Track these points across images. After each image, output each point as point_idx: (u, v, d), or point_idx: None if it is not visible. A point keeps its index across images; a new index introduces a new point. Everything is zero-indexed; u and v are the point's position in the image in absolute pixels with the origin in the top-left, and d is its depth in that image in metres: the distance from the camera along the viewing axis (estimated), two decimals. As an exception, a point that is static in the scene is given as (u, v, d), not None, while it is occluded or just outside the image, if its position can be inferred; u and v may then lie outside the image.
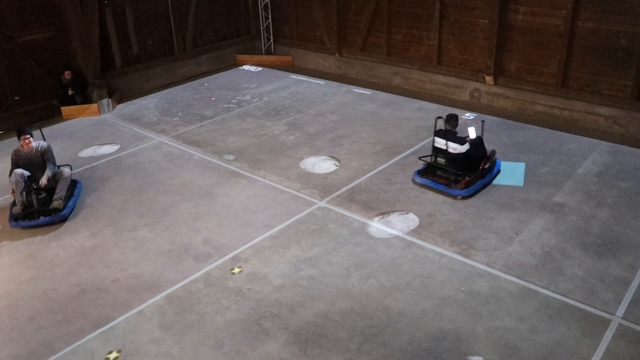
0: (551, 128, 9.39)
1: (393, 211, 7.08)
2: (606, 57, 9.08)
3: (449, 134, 7.45)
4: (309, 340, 5.10)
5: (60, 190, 7.36)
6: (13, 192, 7.23)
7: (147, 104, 11.60)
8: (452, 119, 7.49)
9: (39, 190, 7.21)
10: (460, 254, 6.21)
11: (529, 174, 7.81)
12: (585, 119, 9.48)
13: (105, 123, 10.64)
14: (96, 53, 11.13)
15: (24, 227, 7.10)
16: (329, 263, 6.16)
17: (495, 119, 9.89)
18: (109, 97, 11.28)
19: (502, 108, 10.39)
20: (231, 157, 8.89)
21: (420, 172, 7.74)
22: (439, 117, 7.74)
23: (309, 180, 8.00)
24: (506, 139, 9.00)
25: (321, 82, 12.44)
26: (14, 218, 7.14)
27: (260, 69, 13.73)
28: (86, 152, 9.32)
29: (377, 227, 6.77)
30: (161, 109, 11.28)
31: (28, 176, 7.31)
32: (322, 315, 5.39)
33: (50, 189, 7.35)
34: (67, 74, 10.92)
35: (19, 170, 7.24)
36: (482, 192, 7.42)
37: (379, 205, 7.24)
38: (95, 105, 11.01)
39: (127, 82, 12.15)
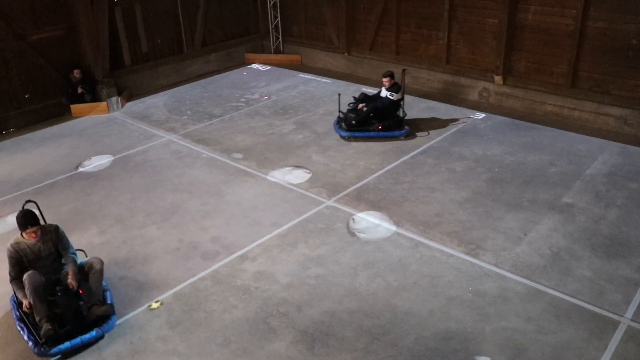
0: (560, 128, 9.33)
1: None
2: (617, 57, 9.02)
3: None
4: (316, 339, 5.10)
5: (97, 289, 5.31)
6: (30, 306, 4.99)
7: (156, 102, 11.65)
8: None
9: (66, 296, 5.07)
10: (468, 254, 6.19)
11: (537, 175, 7.78)
12: (595, 119, 9.42)
13: (114, 121, 10.69)
14: (105, 51, 11.19)
15: (61, 354, 4.96)
16: (337, 262, 6.16)
17: (504, 118, 9.85)
18: (118, 95, 11.34)
19: (511, 108, 10.35)
20: (239, 155, 8.91)
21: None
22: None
23: (316, 179, 8.01)
24: (515, 139, 8.96)
25: (329, 81, 12.43)
26: (40, 343, 4.89)
27: (268, 67, 13.74)
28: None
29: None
30: (170, 107, 11.32)
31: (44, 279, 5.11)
32: (329, 314, 5.39)
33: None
34: (77, 72, 10.99)
35: (32, 274, 5.02)
36: (490, 192, 7.41)
37: (387, 204, 7.24)
38: (104, 103, 11.07)
39: (136, 80, 12.21)
